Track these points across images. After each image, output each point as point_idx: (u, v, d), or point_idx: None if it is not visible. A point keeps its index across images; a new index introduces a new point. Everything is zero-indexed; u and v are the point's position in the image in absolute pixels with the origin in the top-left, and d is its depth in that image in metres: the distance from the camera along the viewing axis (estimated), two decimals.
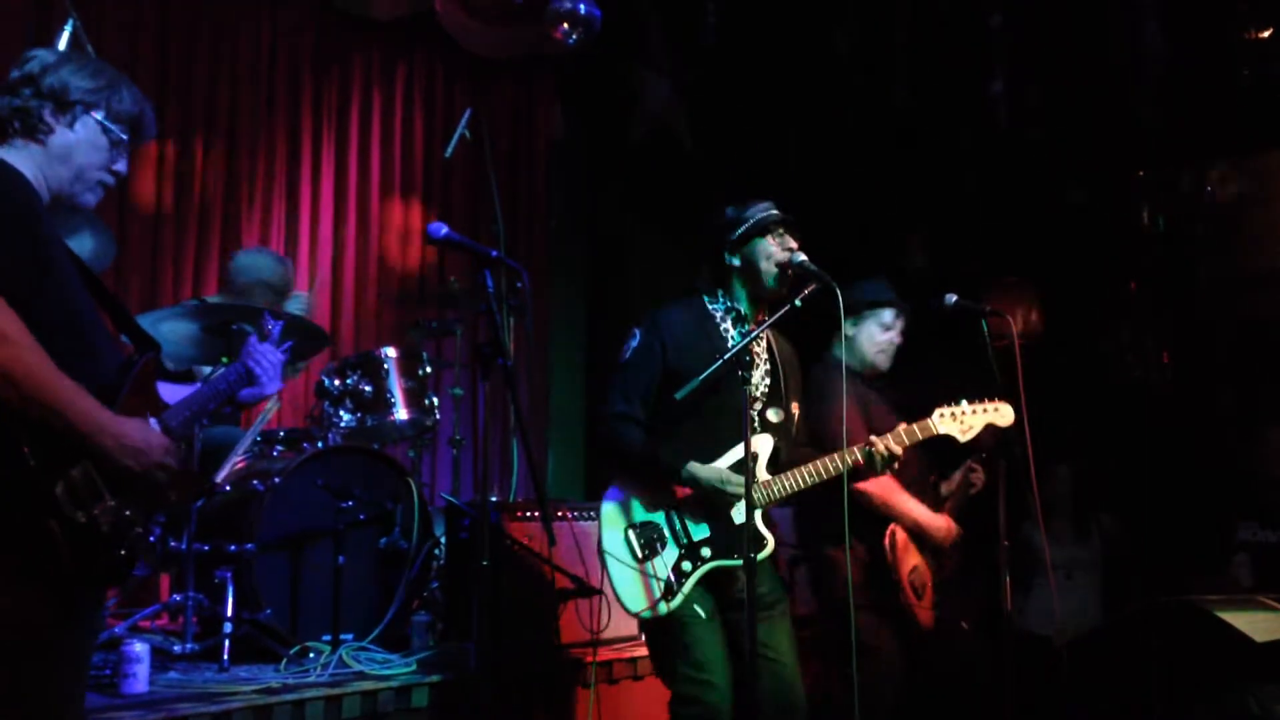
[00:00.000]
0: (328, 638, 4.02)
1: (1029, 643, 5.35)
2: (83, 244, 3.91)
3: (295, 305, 5.15)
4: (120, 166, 2.35)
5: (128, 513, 2.14)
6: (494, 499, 4.58)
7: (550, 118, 7.58)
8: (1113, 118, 6.37)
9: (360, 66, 6.71)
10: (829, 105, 7.02)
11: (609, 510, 3.33)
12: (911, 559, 3.96)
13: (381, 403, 4.72)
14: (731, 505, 3.24)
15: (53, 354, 2.02)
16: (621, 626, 4.30)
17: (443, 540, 4.47)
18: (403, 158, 6.88)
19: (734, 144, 7.19)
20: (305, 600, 4.14)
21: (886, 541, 3.92)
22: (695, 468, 3.23)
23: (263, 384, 2.62)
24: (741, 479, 3.12)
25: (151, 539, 3.87)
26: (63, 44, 4.05)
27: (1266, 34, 5.92)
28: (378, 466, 4.44)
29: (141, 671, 3.44)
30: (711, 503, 3.26)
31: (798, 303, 3.32)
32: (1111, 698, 4.63)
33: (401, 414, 4.75)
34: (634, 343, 3.39)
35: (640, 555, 3.25)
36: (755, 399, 3.36)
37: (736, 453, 3.25)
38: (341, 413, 4.67)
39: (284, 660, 3.84)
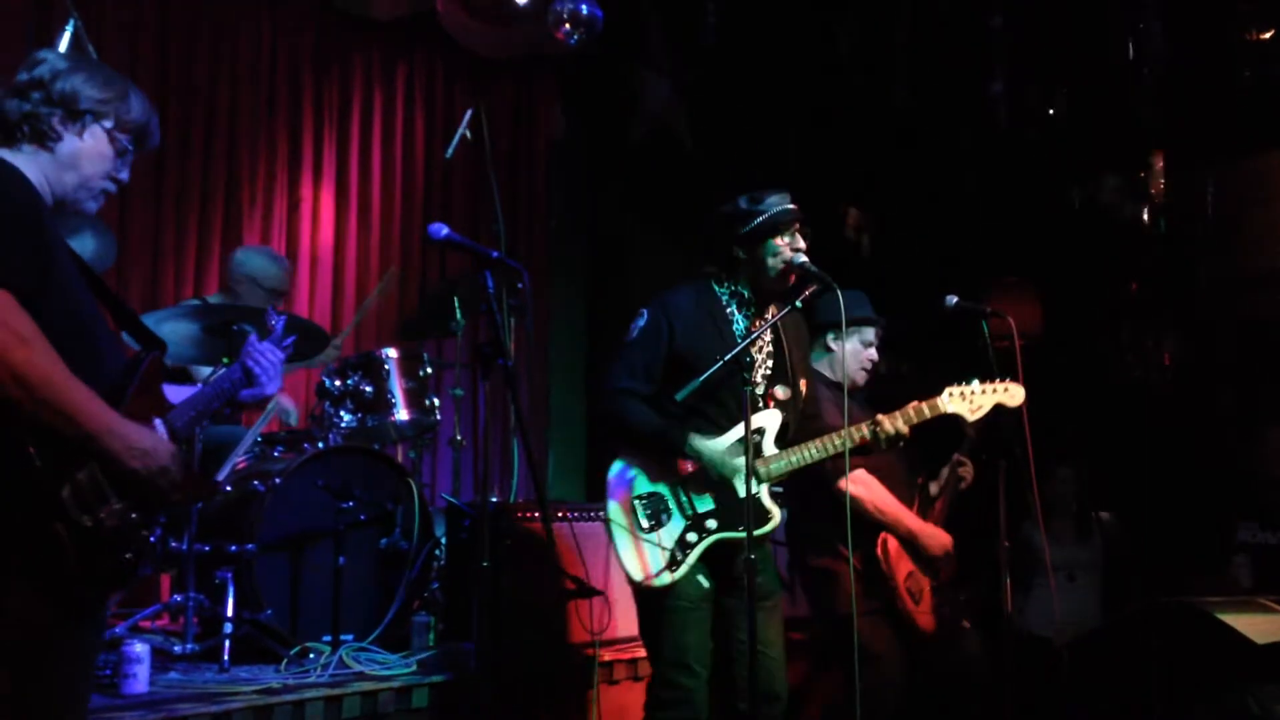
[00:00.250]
0: (328, 638, 4.02)
1: (1029, 643, 5.35)
2: (84, 245, 3.91)
3: (330, 349, 5.14)
4: (124, 175, 2.35)
5: (133, 515, 2.13)
6: (494, 499, 4.58)
7: (550, 117, 7.58)
8: (1114, 118, 6.37)
9: (361, 66, 6.71)
10: (829, 105, 7.02)
11: (614, 482, 3.35)
12: (906, 565, 3.96)
13: (382, 403, 4.72)
14: (734, 476, 3.24)
15: (60, 356, 2.01)
16: (622, 627, 4.30)
17: (443, 541, 4.48)
18: (403, 158, 6.87)
19: (734, 144, 7.19)
20: (306, 601, 4.15)
21: (879, 550, 3.92)
22: (699, 441, 3.25)
23: (262, 384, 2.61)
24: (738, 458, 3.16)
25: (152, 540, 3.88)
26: (64, 45, 4.04)
27: (1267, 35, 5.92)
28: (378, 467, 4.45)
29: (142, 672, 3.44)
30: (714, 476, 3.27)
31: (798, 304, 3.35)
32: (1111, 698, 4.63)
33: (402, 414, 4.75)
34: (641, 322, 3.40)
35: (646, 525, 3.27)
36: (759, 379, 3.38)
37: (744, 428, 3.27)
38: (342, 413, 4.67)
39: (284, 661, 3.84)
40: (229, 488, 4.29)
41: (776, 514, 3.30)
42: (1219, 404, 6.42)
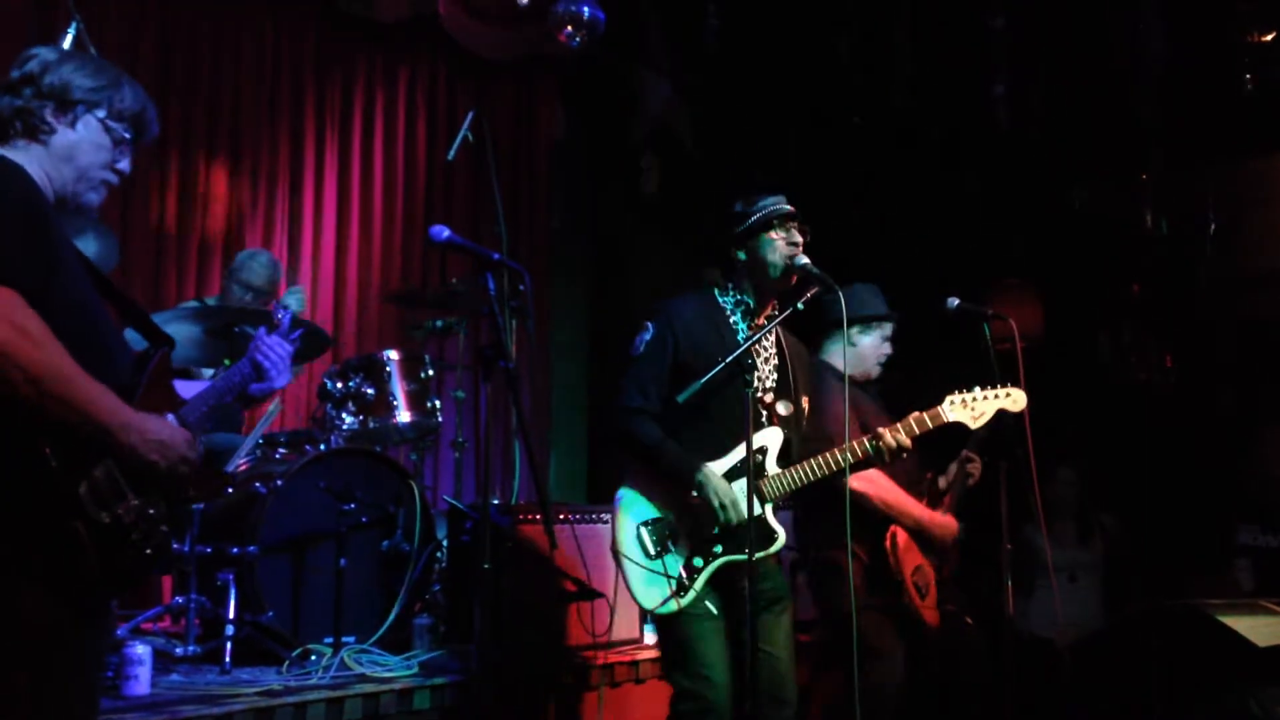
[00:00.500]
0: (330, 640, 4.02)
1: (1031, 645, 5.35)
2: (86, 247, 3.90)
3: (293, 299, 5.15)
4: (124, 165, 2.34)
5: (151, 511, 2.13)
6: (496, 501, 4.58)
7: (552, 119, 7.58)
8: (1115, 119, 6.37)
9: (363, 68, 6.72)
10: (829, 106, 7.02)
11: (622, 508, 3.34)
12: (914, 559, 3.96)
13: (384, 405, 4.72)
14: (753, 476, 3.22)
15: (70, 353, 2.01)
16: (623, 629, 4.31)
17: (445, 543, 4.48)
18: (405, 159, 6.88)
19: (734, 144, 7.19)
20: (307, 603, 4.15)
21: (888, 543, 3.92)
22: (708, 477, 3.24)
23: (271, 378, 2.61)
24: (743, 506, 3.16)
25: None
26: (66, 46, 4.05)
27: (1268, 37, 5.92)
28: (380, 469, 4.45)
29: (143, 673, 3.44)
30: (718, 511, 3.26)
31: (800, 306, 3.34)
32: (1113, 700, 4.64)
33: (404, 416, 4.75)
34: (646, 335, 3.40)
35: (653, 552, 3.27)
36: (763, 393, 3.38)
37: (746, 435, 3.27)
38: (344, 415, 4.68)
39: (286, 663, 3.84)
40: (230, 490, 4.29)
41: (781, 534, 3.30)
42: (1219, 405, 6.42)
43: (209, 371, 4.58)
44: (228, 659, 3.81)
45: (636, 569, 3.27)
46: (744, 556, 3.15)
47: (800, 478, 3.31)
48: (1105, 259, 6.74)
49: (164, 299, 5.66)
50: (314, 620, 4.11)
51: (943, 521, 4.03)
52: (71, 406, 1.99)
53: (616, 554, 3.31)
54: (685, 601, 3.22)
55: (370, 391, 4.70)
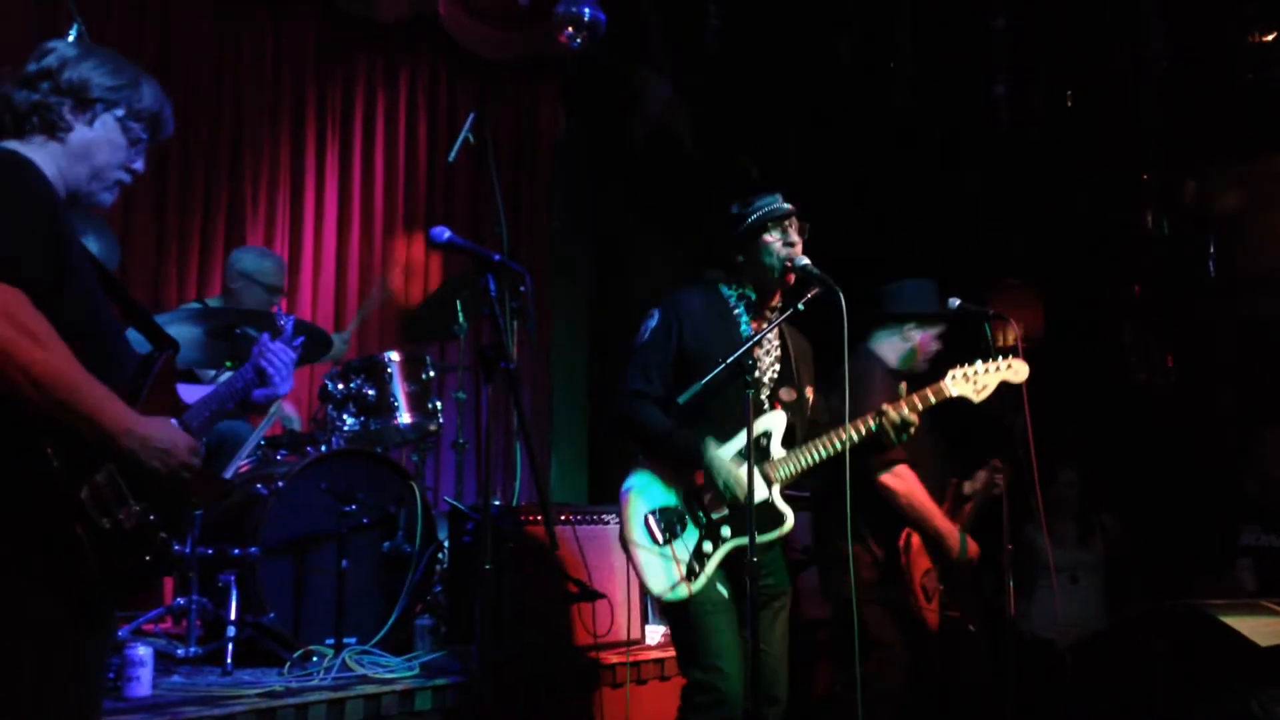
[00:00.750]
0: (331, 641, 4.02)
1: (1032, 646, 5.35)
2: (87, 247, 3.90)
3: (339, 343, 5.14)
4: (138, 165, 2.32)
5: (152, 517, 2.11)
6: (497, 502, 4.58)
7: (552, 119, 7.58)
8: (1116, 120, 6.37)
9: (364, 69, 6.71)
10: (830, 106, 7.02)
11: (629, 495, 3.35)
12: (924, 563, 3.97)
13: (385, 406, 4.73)
14: (753, 477, 3.23)
15: (76, 355, 1.99)
16: (625, 630, 4.31)
17: (446, 544, 4.48)
18: (406, 160, 6.88)
19: (735, 145, 7.19)
20: (309, 604, 4.15)
21: (901, 542, 3.93)
22: (713, 455, 3.24)
23: (275, 384, 2.60)
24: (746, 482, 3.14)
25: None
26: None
27: (1270, 37, 5.92)
28: (381, 470, 4.45)
29: (145, 675, 3.44)
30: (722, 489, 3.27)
31: (800, 306, 3.35)
32: (1114, 701, 4.63)
33: (405, 418, 4.75)
34: (652, 323, 3.42)
35: (661, 539, 3.27)
36: (765, 383, 3.39)
37: (754, 428, 3.26)
38: (345, 416, 4.68)
39: (287, 664, 3.84)
40: (231, 495, 4.29)
41: (790, 516, 3.30)
42: (1220, 405, 6.42)
43: (211, 373, 4.58)
44: (229, 660, 3.81)
45: (646, 556, 3.27)
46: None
47: (807, 459, 3.32)
48: (1106, 259, 6.74)
49: (164, 300, 5.66)
50: (315, 621, 4.11)
51: (956, 537, 4.00)
52: (75, 410, 1.97)
53: (625, 542, 3.31)
54: (696, 587, 3.23)
55: (371, 393, 4.70)
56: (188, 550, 3.96)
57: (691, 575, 3.24)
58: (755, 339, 3.31)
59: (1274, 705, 4.09)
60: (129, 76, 2.28)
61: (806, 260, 3.37)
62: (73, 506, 1.98)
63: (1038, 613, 5.54)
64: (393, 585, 4.35)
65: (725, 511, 3.30)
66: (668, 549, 3.26)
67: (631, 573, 3.44)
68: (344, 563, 4.11)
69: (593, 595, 4.07)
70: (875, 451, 3.52)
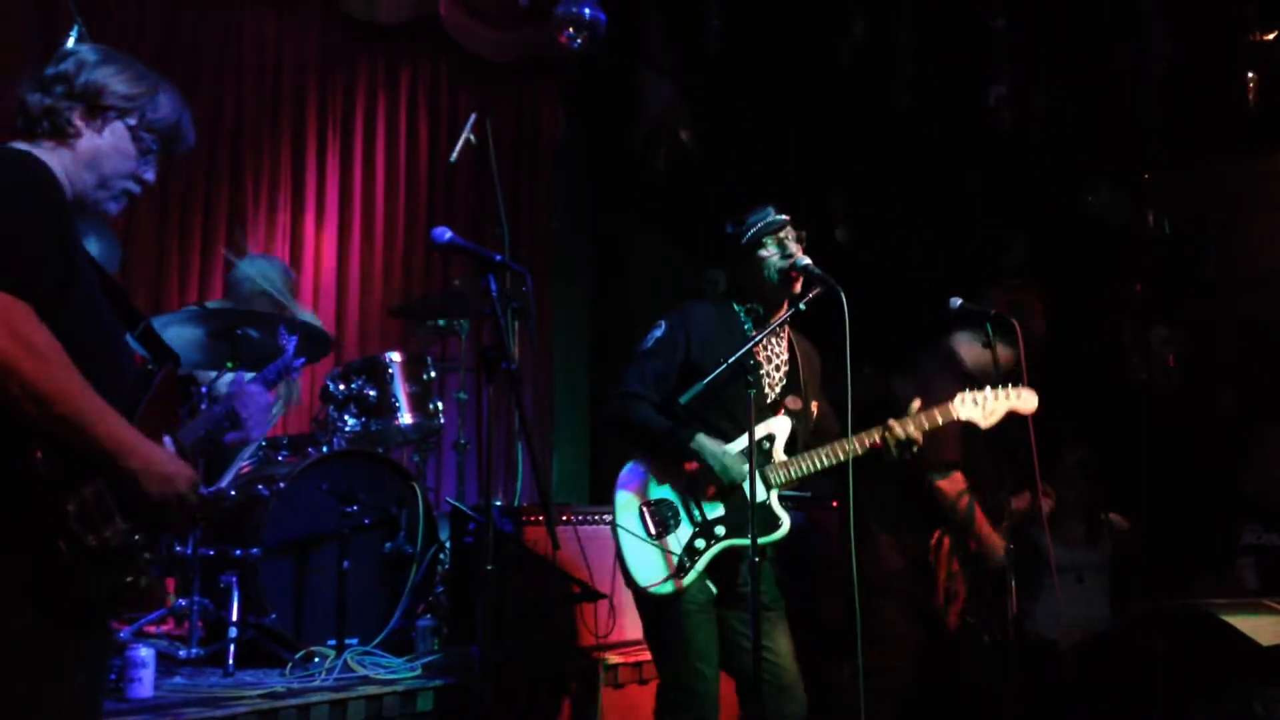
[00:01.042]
0: (333, 642, 4.02)
1: (1035, 646, 5.34)
2: (88, 248, 3.90)
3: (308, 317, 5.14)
4: (149, 175, 2.28)
5: (137, 537, 2.06)
6: (498, 503, 4.58)
7: (553, 120, 7.59)
8: (1117, 119, 6.37)
9: (365, 70, 6.72)
10: (830, 106, 7.02)
11: (625, 485, 3.35)
12: (952, 565, 3.97)
13: (386, 407, 4.73)
14: (733, 484, 3.23)
15: (79, 368, 1.95)
16: (627, 630, 4.30)
17: (447, 544, 4.48)
18: (407, 161, 6.88)
19: (735, 145, 7.19)
20: (310, 605, 4.15)
21: (933, 541, 3.94)
22: (704, 440, 3.25)
23: (248, 429, 2.54)
24: (745, 464, 3.16)
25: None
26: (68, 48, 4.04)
27: (1271, 36, 5.92)
28: (382, 471, 4.45)
29: (147, 676, 3.45)
30: (719, 482, 3.27)
31: (802, 306, 3.35)
32: (1116, 701, 4.63)
33: (406, 418, 4.75)
34: (658, 332, 3.41)
35: (654, 532, 3.27)
36: (771, 389, 3.40)
37: (758, 431, 3.27)
38: (346, 417, 4.68)
39: (289, 665, 3.84)
40: (233, 492, 4.29)
41: (786, 521, 3.30)
42: (1221, 405, 6.41)
43: (211, 374, 4.58)
44: (231, 661, 3.82)
45: (635, 547, 3.27)
46: (746, 540, 3.14)
47: (807, 466, 3.31)
48: (1107, 259, 6.74)
49: (166, 302, 5.66)
50: (317, 622, 4.11)
51: (997, 544, 4.00)
52: (75, 426, 1.93)
53: (616, 529, 3.30)
54: (685, 582, 3.23)
55: (372, 393, 4.70)
56: (189, 551, 3.96)
57: (681, 571, 3.24)
58: (758, 339, 3.31)
59: (1276, 705, 4.09)
60: (147, 85, 2.24)
61: (808, 260, 3.37)
62: (58, 520, 1.93)
63: (1041, 613, 5.53)
64: (394, 586, 4.35)
65: (721, 511, 3.29)
66: (660, 541, 3.26)
67: None
68: (345, 564, 4.11)
69: (595, 595, 4.07)
70: (934, 450, 3.52)
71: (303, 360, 2.67)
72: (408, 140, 6.90)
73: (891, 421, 3.34)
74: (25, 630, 1.94)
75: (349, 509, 4.16)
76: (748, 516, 3.17)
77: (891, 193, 7.00)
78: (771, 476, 3.30)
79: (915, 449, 3.34)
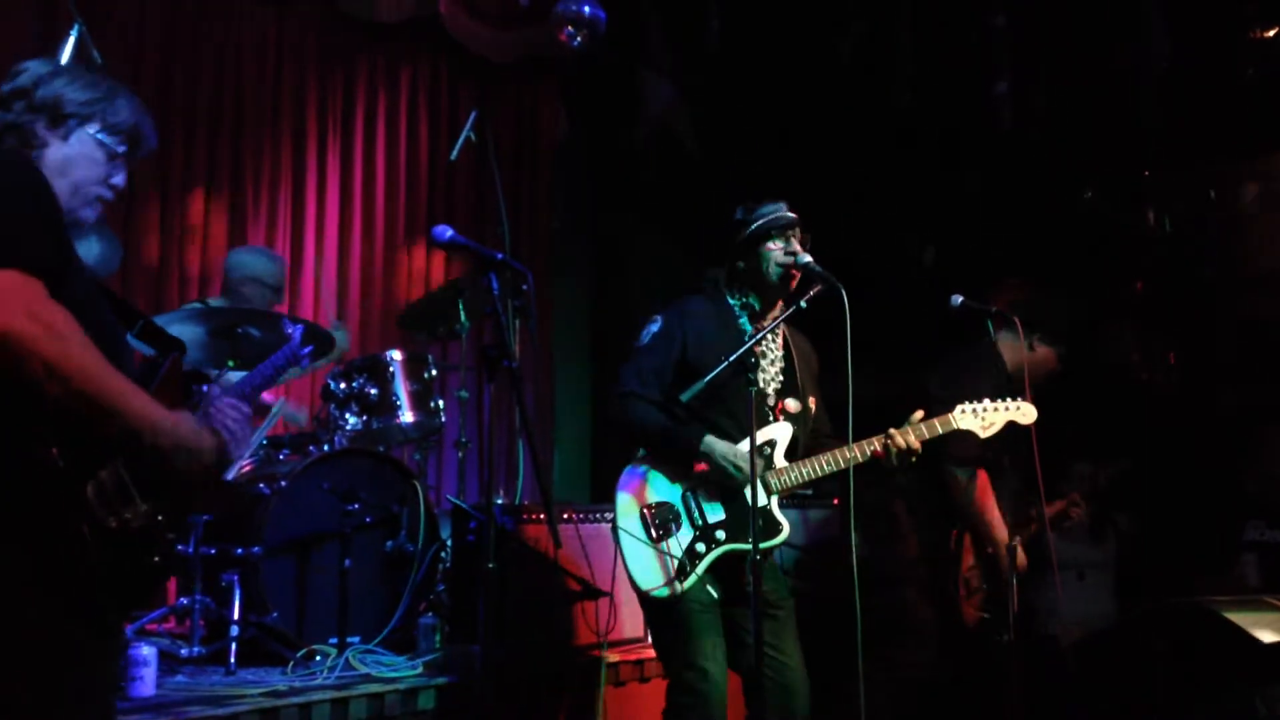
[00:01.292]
0: (334, 640, 4.02)
1: (1038, 642, 5.34)
2: (89, 249, 3.91)
3: (340, 338, 5.13)
4: (118, 180, 2.29)
5: (160, 518, 2.07)
6: (500, 501, 4.58)
7: (553, 119, 7.59)
8: (1117, 119, 6.37)
9: (365, 69, 6.72)
10: (831, 106, 7.02)
11: (627, 487, 3.35)
12: (969, 559, 3.98)
13: (387, 406, 4.73)
14: (743, 487, 3.24)
15: None
16: (628, 628, 4.31)
17: (449, 543, 4.48)
18: (407, 160, 6.89)
19: (736, 145, 7.19)
20: (312, 603, 4.15)
21: (955, 532, 3.95)
22: (713, 440, 3.25)
23: (230, 450, 2.49)
24: (757, 462, 3.15)
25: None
26: (68, 48, 4.05)
27: (1271, 33, 5.92)
28: (384, 469, 4.45)
29: (149, 675, 3.45)
30: (725, 483, 3.27)
31: (803, 304, 3.35)
32: (1117, 698, 4.62)
33: (407, 417, 4.75)
34: (654, 328, 3.41)
35: (655, 535, 3.27)
36: (770, 392, 3.40)
37: (759, 436, 3.27)
38: (347, 416, 4.68)
39: (291, 663, 3.85)
40: (236, 501, 4.29)
41: (786, 526, 3.30)
42: (1222, 404, 6.41)
43: (214, 372, 4.58)
44: (233, 660, 3.82)
45: (636, 548, 3.26)
46: (748, 545, 3.15)
47: (808, 472, 3.32)
48: (1108, 258, 6.74)
49: (167, 301, 5.66)
50: (319, 621, 4.11)
51: (1004, 555, 4.00)
52: (100, 404, 1.93)
53: (616, 531, 3.30)
54: (686, 586, 3.23)
55: (373, 392, 4.70)
56: (191, 550, 3.96)
57: (682, 574, 3.24)
58: (757, 337, 3.31)
59: (1278, 703, 4.09)
60: (103, 91, 2.26)
61: (809, 258, 3.37)
62: (78, 505, 1.94)
63: (1043, 609, 5.52)
64: (396, 584, 4.35)
65: (721, 514, 3.29)
66: (661, 544, 3.26)
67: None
68: (347, 562, 4.11)
69: (596, 594, 4.07)
70: (959, 447, 3.58)
71: (310, 349, 2.66)
72: (408, 139, 6.90)
73: (892, 431, 3.35)
74: (43, 628, 1.94)
75: (350, 507, 4.16)
76: (749, 522, 3.18)
77: (891, 193, 7.01)
78: (773, 482, 3.30)
79: (915, 459, 3.34)
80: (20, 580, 1.93)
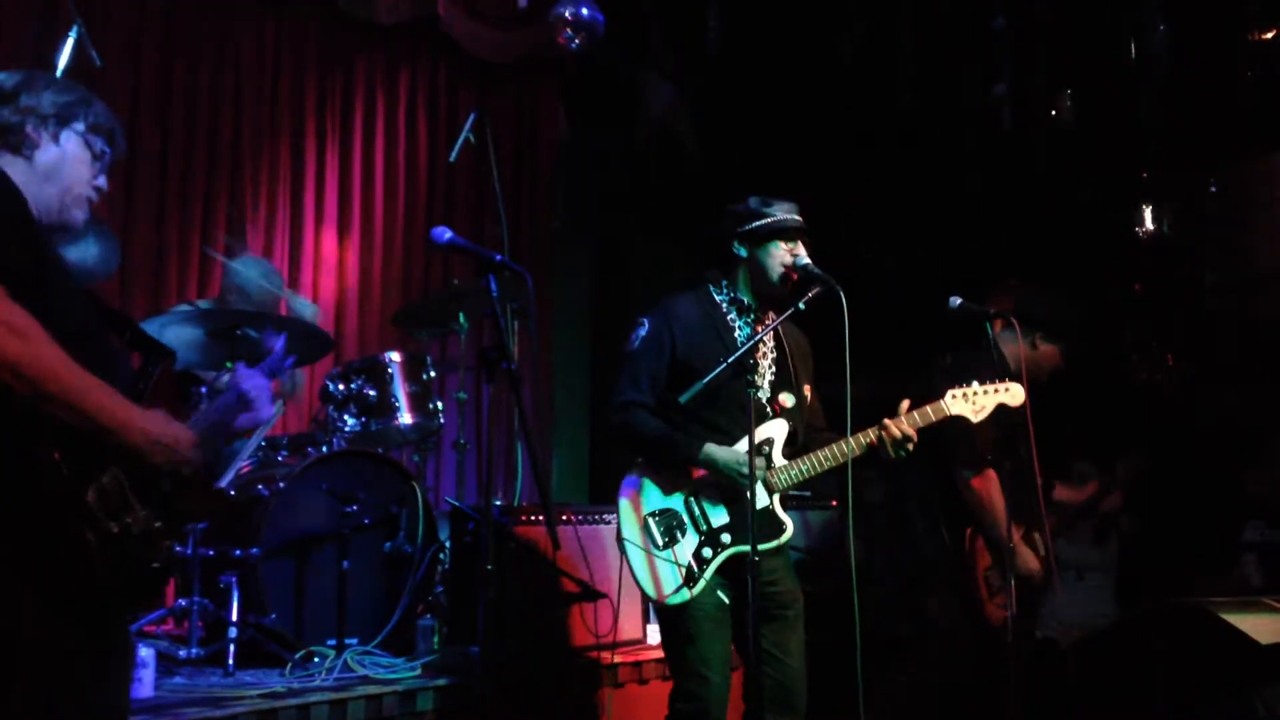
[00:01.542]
0: (333, 642, 4.03)
1: (1035, 644, 5.33)
2: (88, 250, 3.91)
3: (306, 310, 5.12)
4: (101, 181, 2.30)
5: (158, 524, 2.07)
6: (498, 503, 4.58)
7: (553, 120, 7.58)
8: (1117, 119, 6.37)
9: (363, 70, 6.71)
10: (831, 107, 7.02)
11: (628, 497, 3.34)
12: (985, 560, 3.98)
13: (386, 407, 4.73)
14: (754, 477, 3.23)
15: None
16: (627, 630, 4.31)
17: (447, 544, 4.48)
18: (406, 161, 6.88)
19: (736, 146, 7.19)
20: (310, 605, 4.15)
21: (968, 532, 3.95)
22: (713, 449, 3.25)
23: (258, 408, 2.51)
24: (757, 462, 3.16)
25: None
26: (67, 49, 4.06)
27: (1270, 35, 5.92)
28: (382, 471, 4.45)
29: (147, 676, 3.45)
30: (729, 486, 3.27)
31: (801, 306, 3.35)
32: (1116, 700, 4.62)
33: (406, 418, 4.75)
34: (642, 331, 3.40)
35: (661, 543, 3.26)
36: (764, 385, 3.39)
37: (756, 435, 3.27)
38: (346, 417, 4.68)
39: (289, 665, 3.84)
40: (233, 492, 4.29)
41: (790, 525, 3.31)
42: (1222, 405, 6.41)
43: (212, 374, 4.58)
44: (231, 661, 3.82)
45: (643, 559, 3.26)
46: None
47: (808, 468, 3.32)
48: (1108, 259, 6.74)
49: (165, 303, 5.64)
50: (317, 622, 4.11)
51: (1025, 555, 3.99)
52: (66, 403, 1.93)
53: (622, 542, 3.30)
54: (695, 591, 3.23)
55: (372, 393, 4.70)
56: (189, 552, 3.96)
57: (691, 580, 3.24)
58: (756, 339, 3.31)
59: (1276, 704, 4.09)
60: (80, 93, 2.28)
61: (808, 260, 3.37)
62: (81, 510, 1.94)
63: (1043, 612, 5.52)
64: (394, 586, 4.35)
65: (726, 518, 3.29)
66: (668, 552, 3.26)
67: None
68: (345, 563, 4.11)
69: (594, 595, 4.07)
70: (964, 447, 3.61)
71: (292, 360, 2.66)
72: (407, 140, 6.90)
73: (887, 420, 3.35)
74: (47, 637, 1.94)
75: (349, 509, 4.17)
76: (754, 522, 3.18)
77: (891, 193, 7.00)
78: (774, 481, 3.30)
79: (911, 446, 3.34)
80: (20, 583, 1.93)
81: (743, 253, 3.43)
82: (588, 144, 7.77)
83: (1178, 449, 6.14)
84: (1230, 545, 5.57)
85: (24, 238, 2.03)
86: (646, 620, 4.54)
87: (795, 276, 3.37)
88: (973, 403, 3.45)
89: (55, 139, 2.21)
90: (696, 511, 3.30)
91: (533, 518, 4.21)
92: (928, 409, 3.41)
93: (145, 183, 5.67)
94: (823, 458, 3.32)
